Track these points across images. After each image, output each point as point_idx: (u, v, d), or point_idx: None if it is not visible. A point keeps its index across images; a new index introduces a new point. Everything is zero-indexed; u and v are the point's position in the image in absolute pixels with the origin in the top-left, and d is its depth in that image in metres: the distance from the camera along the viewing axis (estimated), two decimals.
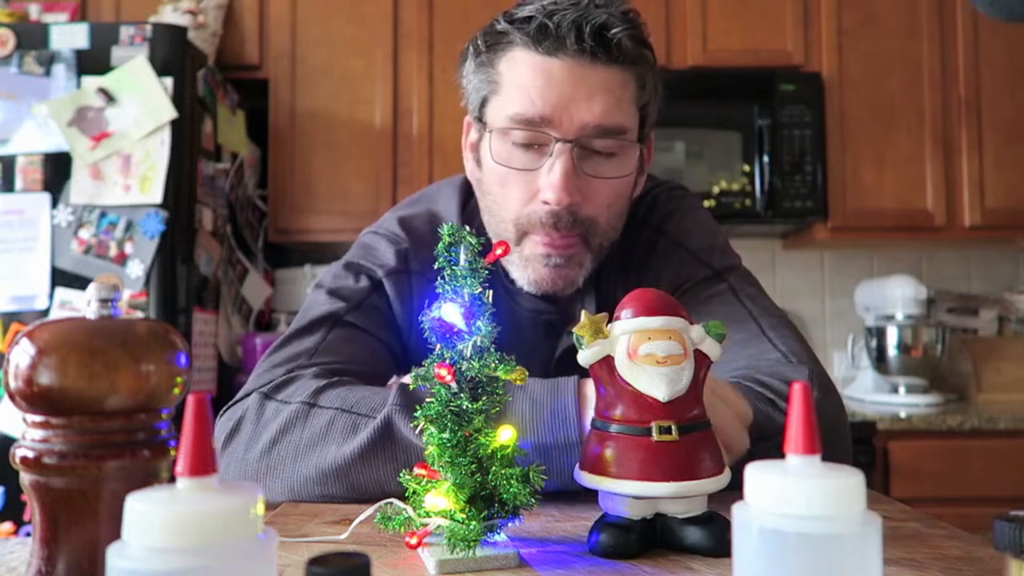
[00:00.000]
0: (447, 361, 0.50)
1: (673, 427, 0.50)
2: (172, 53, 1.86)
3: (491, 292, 0.51)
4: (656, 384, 0.50)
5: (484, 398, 0.50)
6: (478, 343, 0.50)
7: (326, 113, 2.33)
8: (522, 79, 0.79)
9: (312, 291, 0.89)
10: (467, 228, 0.51)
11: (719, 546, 0.49)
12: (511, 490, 0.49)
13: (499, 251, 0.52)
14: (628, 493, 0.50)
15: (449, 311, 0.50)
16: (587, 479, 0.52)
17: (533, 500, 0.50)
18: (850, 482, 0.31)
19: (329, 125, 2.33)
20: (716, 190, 2.27)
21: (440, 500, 0.49)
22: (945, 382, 2.46)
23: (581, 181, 0.79)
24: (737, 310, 0.83)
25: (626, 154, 0.82)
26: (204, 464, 0.29)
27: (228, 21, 2.34)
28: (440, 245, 0.52)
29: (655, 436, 0.49)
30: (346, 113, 2.33)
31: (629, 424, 0.51)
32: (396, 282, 0.88)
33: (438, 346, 0.51)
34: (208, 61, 2.09)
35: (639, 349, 0.51)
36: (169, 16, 2.21)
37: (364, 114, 2.33)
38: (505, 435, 0.50)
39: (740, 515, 0.32)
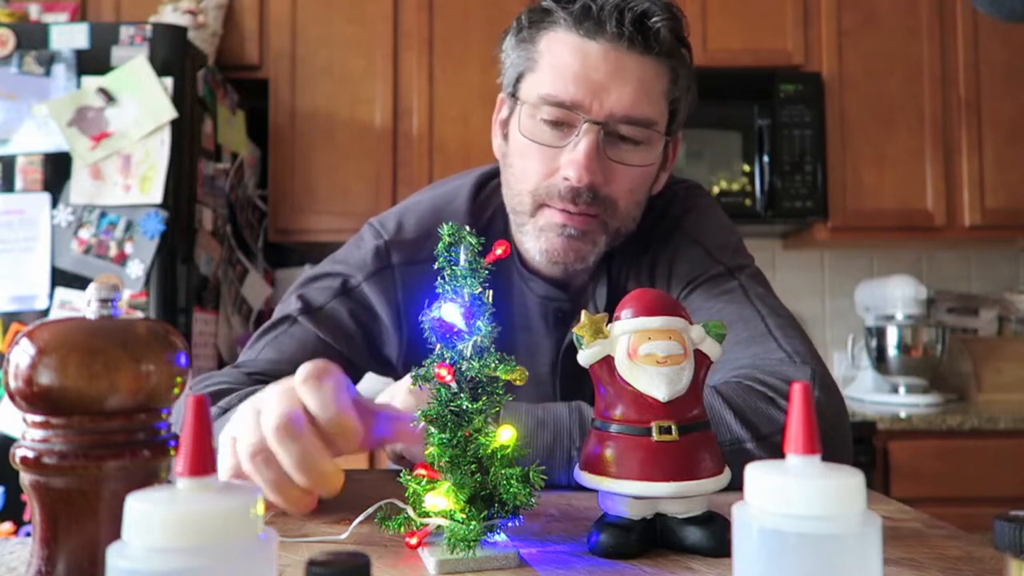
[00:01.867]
0: (447, 361, 0.50)
1: (673, 427, 0.50)
2: (172, 53, 1.86)
3: (491, 292, 0.51)
4: (656, 384, 0.50)
5: (484, 398, 0.50)
6: (478, 343, 0.50)
7: (326, 113, 2.33)
8: (559, 60, 0.80)
9: (296, 283, 0.92)
10: (467, 228, 0.51)
11: (719, 546, 0.49)
12: (511, 490, 0.49)
13: (499, 251, 0.52)
14: (628, 493, 0.50)
15: (449, 311, 0.50)
16: (587, 479, 0.52)
17: (533, 500, 0.50)
18: (850, 482, 0.31)
19: (329, 125, 2.33)
20: (716, 190, 2.27)
21: (440, 500, 0.49)
22: (945, 382, 2.46)
23: (603, 164, 0.80)
24: (745, 308, 0.84)
25: (651, 145, 0.83)
26: (204, 464, 0.29)
27: (228, 21, 2.34)
28: (440, 245, 0.52)
29: (655, 436, 0.49)
30: (346, 113, 2.33)
31: (629, 424, 0.51)
32: (379, 282, 0.89)
33: (438, 346, 0.51)
34: (208, 61, 2.09)
35: (639, 349, 0.51)
36: (169, 16, 2.21)
37: (364, 114, 2.33)
38: (505, 435, 0.50)
39: (740, 515, 0.32)
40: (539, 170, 0.82)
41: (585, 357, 0.53)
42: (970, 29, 2.36)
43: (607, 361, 0.52)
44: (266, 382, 0.76)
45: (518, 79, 0.85)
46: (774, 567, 0.30)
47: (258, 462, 0.54)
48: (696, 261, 0.89)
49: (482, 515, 0.49)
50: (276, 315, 0.88)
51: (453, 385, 0.50)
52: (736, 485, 0.39)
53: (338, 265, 0.91)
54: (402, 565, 0.49)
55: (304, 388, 0.54)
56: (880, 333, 2.36)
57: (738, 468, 0.41)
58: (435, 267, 0.52)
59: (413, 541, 0.50)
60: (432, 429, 0.50)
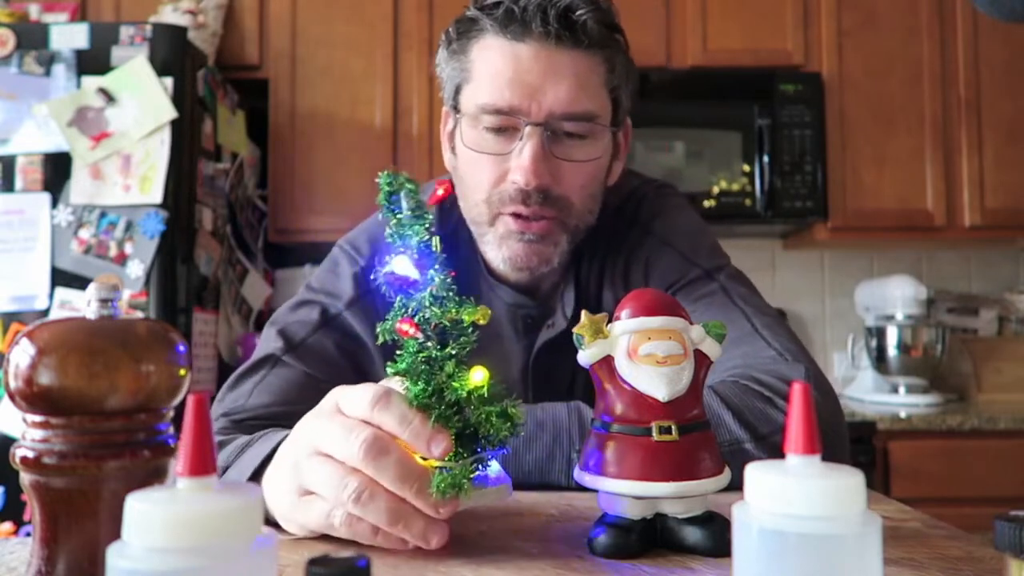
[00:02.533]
0: (407, 314, 0.50)
1: (673, 427, 0.50)
2: (172, 53, 1.86)
3: (438, 239, 0.52)
4: (656, 384, 0.50)
5: (451, 343, 0.50)
6: (435, 291, 0.50)
7: (326, 113, 2.33)
8: (491, 67, 0.80)
9: (268, 323, 0.89)
10: (404, 175, 0.52)
11: (719, 546, 0.49)
12: (492, 427, 0.49)
13: (440, 191, 0.52)
14: (628, 493, 0.50)
15: (400, 263, 0.51)
16: (587, 479, 0.52)
17: (517, 430, 0.50)
18: (850, 482, 0.31)
19: (329, 125, 2.33)
20: (716, 190, 2.27)
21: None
22: (945, 382, 2.46)
23: (551, 163, 0.80)
24: (729, 309, 0.83)
25: (596, 138, 0.83)
26: (204, 464, 0.29)
27: (228, 21, 2.34)
28: (380, 196, 0.52)
29: (655, 436, 0.49)
30: (346, 113, 2.33)
31: (629, 424, 0.51)
32: (362, 309, 0.87)
33: (397, 299, 0.51)
34: (208, 61, 2.09)
35: (639, 349, 0.51)
36: (169, 16, 2.21)
37: (364, 114, 2.33)
38: (477, 376, 0.50)
39: (740, 515, 0.32)
40: (489, 179, 0.82)
41: (585, 357, 0.53)
42: (970, 29, 2.36)
43: (607, 361, 0.52)
44: (260, 427, 0.74)
45: (456, 91, 0.85)
46: (774, 567, 0.30)
47: (364, 499, 0.48)
48: (672, 265, 0.88)
49: (469, 452, 0.50)
50: (259, 353, 0.85)
51: (419, 336, 0.50)
52: (736, 485, 0.39)
53: (317, 295, 0.89)
54: (402, 565, 0.49)
55: (376, 411, 0.50)
56: (880, 333, 2.36)
57: (738, 469, 0.41)
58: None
59: None
60: (406, 383, 0.50)
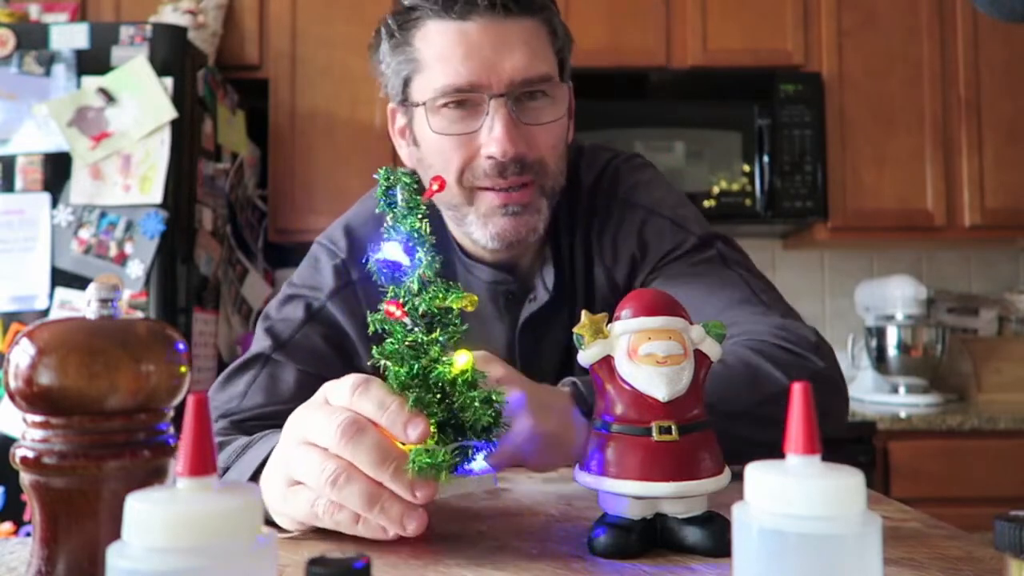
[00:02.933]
0: (397, 298, 0.51)
1: (673, 427, 0.50)
2: (172, 53, 1.86)
3: (427, 223, 0.52)
4: (656, 384, 0.50)
5: (439, 329, 0.51)
6: (422, 276, 0.51)
7: (326, 113, 2.33)
8: (441, 50, 0.80)
9: (259, 319, 0.91)
10: (402, 170, 0.53)
11: (719, 546, 0.49)
12: (475, 412, 0.50)
13: (435, 186, 0.53)
14: (628, 493, 0.50)
15: (390, 249, 0.52)
16: (587, 479, 0.52)
17: (499, 420, 0.51)
18: (850, 482, 0.31)
19: (329, 125, 2.33)
20: (716, 190, 2.27)
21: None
22: (945, 382, 2.46)
23: (522, 131, 0.81)
24: (728, 275, 0.85)
25: (557, 98, 0.84)
26: (204, 464, 0.29)
27: (228, 21, 2.34)
28: (378, 190, 0.53)
29: (655, 436, 0.49)
30: (346, 113, 2.33)
31: (629, 424, 0.51)
32: (343, 300, 0.89)
33: (390, 288, 0.52)
34: (208, 61, 2.09)
35: (639, 349, 0.51)
36: (169, 16, 2.21)
37: (364, 114, 2.33)
38: (461, 360, 0.51)
39: (740, 515, 0.32)
40: (459, 159, 0.82)
41: (585, 357, 0.53)
42: (970, 29, 2.36)
43: (607, 361, 0.52)
44: (259, 427, 0.76)
45: (405, 84, 0.85)
46: (774, 567, 0.30)
47: (340, 483, 0.49)
48: (666, 234, 0.89)
49: (453, 442, 0.50)
50: (249, 353, 0.87)
51: (407, 320, 0.51)
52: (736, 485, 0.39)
53: (300, 289, 0.91)
54: (402, 565, 0.49)
55: (356, 397, 0.51)
56: (880, 333, 2.36)
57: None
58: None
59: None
60: (390, 365, 0.51)
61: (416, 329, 0.51)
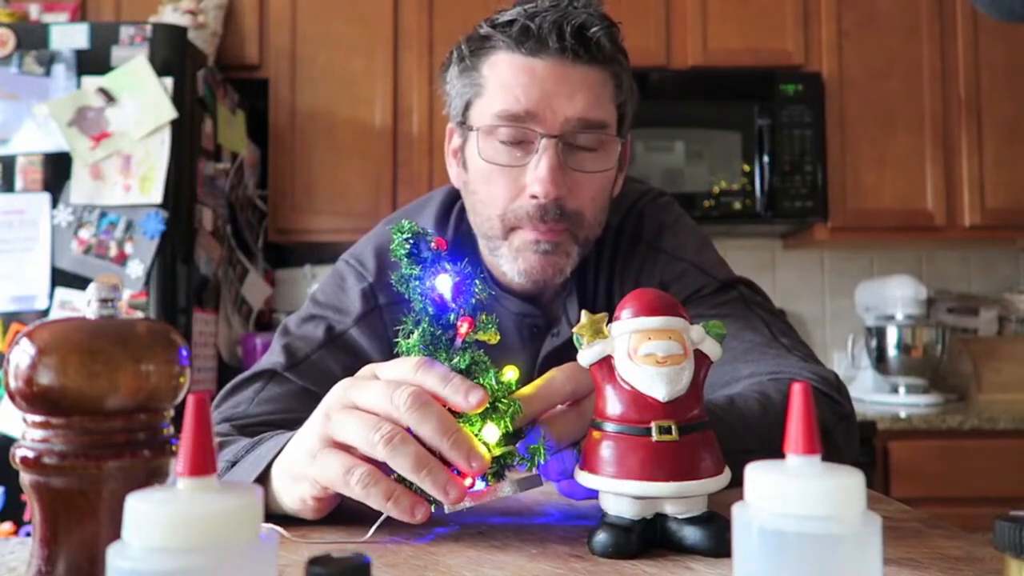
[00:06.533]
0: (464, 313, 0.54)
1: (673, 427, 0.50)
2: (172, 53, 1.86)
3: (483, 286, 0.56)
4: (656, 384, 0.50)
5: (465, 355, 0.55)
6: (475, 301, 0.55)
7: (326, 113, 2.33)
8: (506, 79, 0.81)
9: (278, 332, 0.91)
10: (411, 223, 0.56)
11: (719, 546, 0.49)
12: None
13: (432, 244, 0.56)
14: (628, 493, 0.50)
15: (443, 282, 0.54)
16: (587, 479, 0.52)
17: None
18: (850, 482, 0.31)
19: (329, 125, 2.33)
20: (716, 190, 2.27)
21: (490, 431, 0.53)
22: (945, 382, 2.46)
23: (566, 175, 0.81)
24: (750, 317, 0.87)
25: (607, 149, 0.85)
26: (204, 464, 0.29)
27: (228, 21, 2.34)
28: (394, 245, 0.55)
29: (655, 436, 0.49)
30: (346, 113, 2.33)
31: (629, 424, 0.51)
32: (368, 324, 0.89)
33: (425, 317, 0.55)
34: (208, 61, 2.09)
35: (639, 349, 0.51)
36: (169, 16, 2.21)
37: (364, 114, 2.33)
38: (509, 375, 0.55)
39: (740, 515, 0.32)
40: (504, 193, 0.83)
41: (585, 357, 0.53)
42: (970, 29, 2.36)
43: (607, 361, 0.52)
44: (263, 431, 0.75)
45: (466, 107, 0.86)
46: (774, 567, 0.30)
47: (395, 443, 0.51)
48: (689, 279, 0.91)
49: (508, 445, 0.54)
50: (261, 364, 0.87)
51: (459, 342, 0.54)
52: (736, 485, 0.39)
53: (325, 310, 0.91)
54: (402, 565, 0.49)
55: (419, 373, 0.54)
56: (880, 333, 2.36)
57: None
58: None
59: (468, 482, 0.53)
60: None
61: (467, 351, 0.54)
